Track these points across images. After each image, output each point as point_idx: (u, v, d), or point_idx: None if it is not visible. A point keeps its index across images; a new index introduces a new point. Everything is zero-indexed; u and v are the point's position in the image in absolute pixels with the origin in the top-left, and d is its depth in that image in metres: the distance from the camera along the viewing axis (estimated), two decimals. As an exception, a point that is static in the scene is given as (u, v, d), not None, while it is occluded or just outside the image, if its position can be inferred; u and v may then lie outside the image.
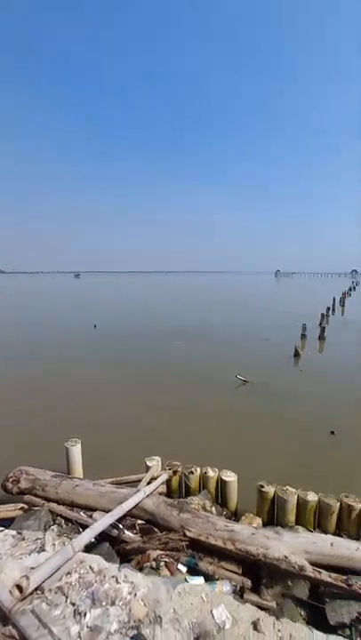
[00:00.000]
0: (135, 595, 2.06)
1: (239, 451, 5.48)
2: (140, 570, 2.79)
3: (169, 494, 4.02)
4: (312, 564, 2.75)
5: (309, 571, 2.57)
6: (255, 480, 3.78)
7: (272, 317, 21.51)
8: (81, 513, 3.46)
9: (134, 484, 3.86)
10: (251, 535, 2.88)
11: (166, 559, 2.85)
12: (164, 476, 3.92)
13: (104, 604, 2.04)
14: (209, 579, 2.78)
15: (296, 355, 11.44)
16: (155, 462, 4.10)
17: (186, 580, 2.70)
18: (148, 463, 4.10)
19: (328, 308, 19.62)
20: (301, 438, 6.00)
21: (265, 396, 8.08)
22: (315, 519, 3.50)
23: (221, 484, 3.95)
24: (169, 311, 25.85)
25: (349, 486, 3.84)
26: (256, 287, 64.15)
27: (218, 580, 2.74)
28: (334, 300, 24.76)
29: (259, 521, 3.57)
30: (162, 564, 2.81)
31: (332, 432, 6.09)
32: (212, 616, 1.87)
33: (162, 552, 2.90)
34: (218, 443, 5.82)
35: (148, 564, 2.85)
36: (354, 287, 49.37)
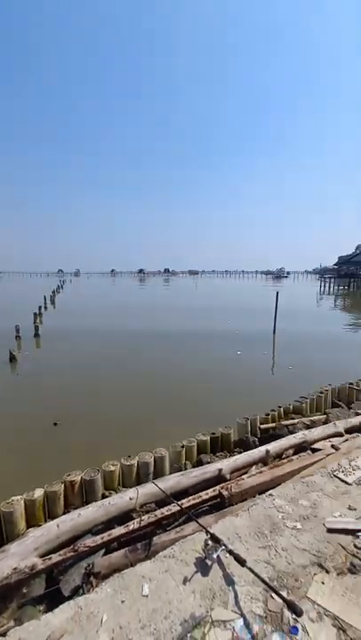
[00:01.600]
0: None
1: None
2: None
3: None
4: (47, 553, 2.87)
5: (40, 564, 2.67)
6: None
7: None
8: None
9: None
10: (-28, 575, 2.55)
11: None
12: None
13: None
14: None
15: (12, 359, 10.81)
16: None
17: None
18: None
19: (40, 307, 19.93)
20: (26, 442, 5.89)
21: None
22: (45, 512, 3.63)
23: None
24: None
25: (78, 464, 4.20)
26: None
27: None
28: (45, 298, 25.54)
29: (-14, 553, 3.22)
30: None
31: (55, 423, 6.43)
32: None
33: None
34: None
35: None
36: (61, 285, 52.91)
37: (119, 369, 10.46)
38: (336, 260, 71.88)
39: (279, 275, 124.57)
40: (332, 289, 52.70)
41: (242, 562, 2.09)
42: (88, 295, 44.03)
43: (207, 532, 2.40)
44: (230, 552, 2.19)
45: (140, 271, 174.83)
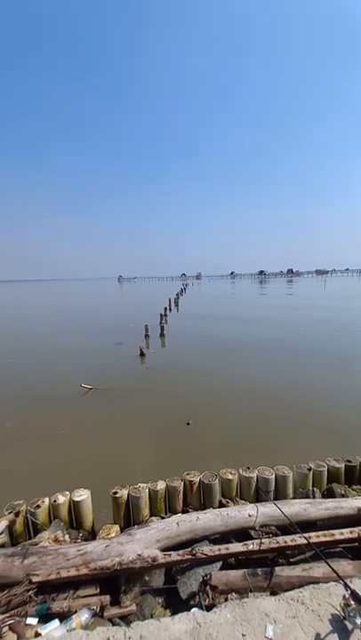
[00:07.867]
0: None
1: (97, 462, 5.33)
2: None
3: (15, 542, 3.48)
4: (166, 549, 2.96)
5: (161, 558, 2.74)
6: (113, 488, 3.74)
7: (125, 321, 22.00)
8: None
9: None
10: (105, 548, 2.83)
11: (10, 621, 2.44)
12: (3, 523, 3.35)
13: None
14: (65, 616, 2.57)
15: (141, 354, 12.11)
16: (-15, 514, 3.45)
17: (37, 633, 2.40)
18: (-23, 518, 3.40)
19: (165, 308, 21.75)
20: (157, 433, 6.35)
21: (114, 399, 8.20)
22: (165, 505, 3.78)
23: (74, 506, 3.71)
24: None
25: (207, 466, 4.20)
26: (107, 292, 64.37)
27: (75, 612, 2.56)
28: (170, 300, 27.73)
29: (116, 528, 3.56)
30: (5, 629, 2.39)
31: (188, 423, 6.66)
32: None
33: (3, 615, 2.46)
34: (73, 461, 5.46)
35: (-16, 639, 2.37)
36: (184, 288, 56.65)
37: (240, 370, 10.30)
38: None
39: None
40: None
41: None
42: (205, 304, 45.49)
43: (347, 586, 1.97)
44: (381, 624, 1.72)
45: (261, 272, 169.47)
